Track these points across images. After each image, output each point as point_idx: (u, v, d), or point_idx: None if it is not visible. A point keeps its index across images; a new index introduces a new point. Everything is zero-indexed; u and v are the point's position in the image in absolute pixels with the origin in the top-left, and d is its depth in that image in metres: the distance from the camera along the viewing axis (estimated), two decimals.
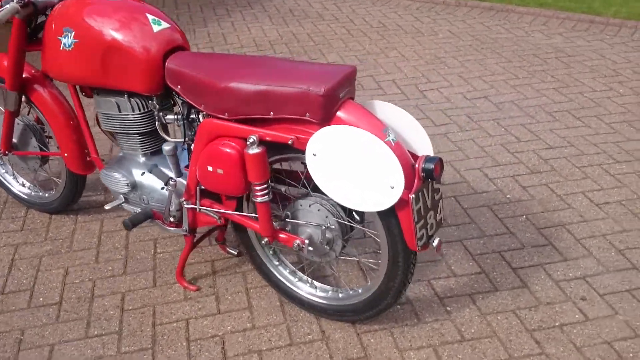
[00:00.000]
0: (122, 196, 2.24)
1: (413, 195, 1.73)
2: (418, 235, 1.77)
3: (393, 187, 1.70)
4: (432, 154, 1.87)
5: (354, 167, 1.74)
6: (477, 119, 3.58)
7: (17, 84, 2.35)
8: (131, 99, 2.12)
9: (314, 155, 1.78)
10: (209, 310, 2.22)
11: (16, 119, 2.56)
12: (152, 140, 2.21)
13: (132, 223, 2.12)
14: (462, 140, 3.34)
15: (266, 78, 1.82)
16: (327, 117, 1.77)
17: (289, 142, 1.82)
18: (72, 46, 2.05)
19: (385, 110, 1.92)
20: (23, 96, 2.45)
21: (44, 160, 2.64)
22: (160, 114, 2.13)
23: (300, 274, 2.21)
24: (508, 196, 2.85)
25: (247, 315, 2.19)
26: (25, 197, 2.77)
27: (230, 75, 1.87)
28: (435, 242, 1.83)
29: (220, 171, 1.92)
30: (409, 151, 1.88)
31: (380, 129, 1.77)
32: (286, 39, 4.93)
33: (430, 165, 1.72)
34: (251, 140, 1.85)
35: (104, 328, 2.16)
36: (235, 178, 1.90)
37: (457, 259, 2.45)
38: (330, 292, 2.13)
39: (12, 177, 2.80)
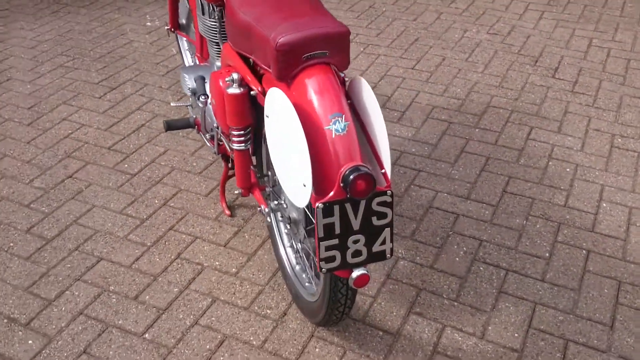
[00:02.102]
0: (190, 99, 2.25)
1: (320, 205, 1.35)
2: (322, 255, 1.39)
3: (305, 186, 1.36)
4: (386, 169, 1.41)
5: (285, 145, 1.42)
6: None
7: None
8: (210, 4, 2.05)
9: (267, 117, 1.51)
10: (219, 239, 2.16)
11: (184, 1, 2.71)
12: None
13: (168, 125, 2.13)
14: None
15: (261, 11, 1.56)
16: (282, 76, 1.46)
17: (252, 93, 1.57)
18: None
19: (366, 101, 1.49)
20: None
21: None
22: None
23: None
24: None
25: (241, 262, 2.08)
26: None
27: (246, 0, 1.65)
28: (356, 274, 1.42)
29: (213, 101, 1.77)
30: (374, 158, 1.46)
31: (329, 111, 1.40)
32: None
33: (350, 177, 1.31)
34: (229, 78, 1.64)
35: (136, 210, 2.29)
36: (220, 114, 1.74)
37: (507, 321, 1.87)
38: (304, 274, 1.86)
39: (192, 55, 3.03)
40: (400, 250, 2.13)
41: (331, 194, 1.35)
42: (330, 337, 1.82)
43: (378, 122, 1.45)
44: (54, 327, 1.85)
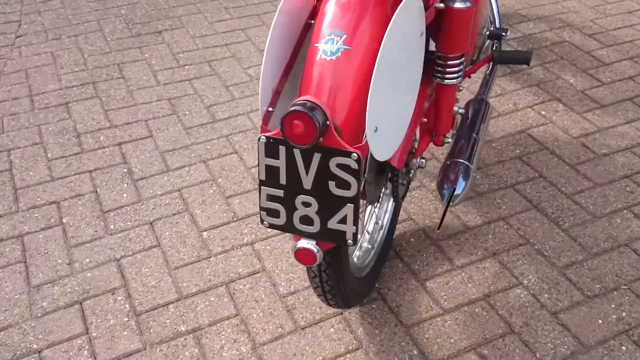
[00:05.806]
0: None
1: (263, 138, 1.02)
2: (264, 205, 1.08)
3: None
4: (367, 128, 0.98)
5: None
6: None
7: None
8: None
9: None
10: None
11: None
12: None
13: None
14: None
15: None
16: None
17: None
18: None
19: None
20: None
21: None
22: None
23: None
24: None
25: None
26: None
27: None
28: (299, 245, 1.07)
29: None
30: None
31: (330, 26, 1.02)
32: None
33: (284, 114, 0.95)
34: None
35: None
36: None
37: None
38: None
39: None
40: (530, 277, 1.55)
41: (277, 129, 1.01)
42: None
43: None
44: (150, 192, 1.90)
